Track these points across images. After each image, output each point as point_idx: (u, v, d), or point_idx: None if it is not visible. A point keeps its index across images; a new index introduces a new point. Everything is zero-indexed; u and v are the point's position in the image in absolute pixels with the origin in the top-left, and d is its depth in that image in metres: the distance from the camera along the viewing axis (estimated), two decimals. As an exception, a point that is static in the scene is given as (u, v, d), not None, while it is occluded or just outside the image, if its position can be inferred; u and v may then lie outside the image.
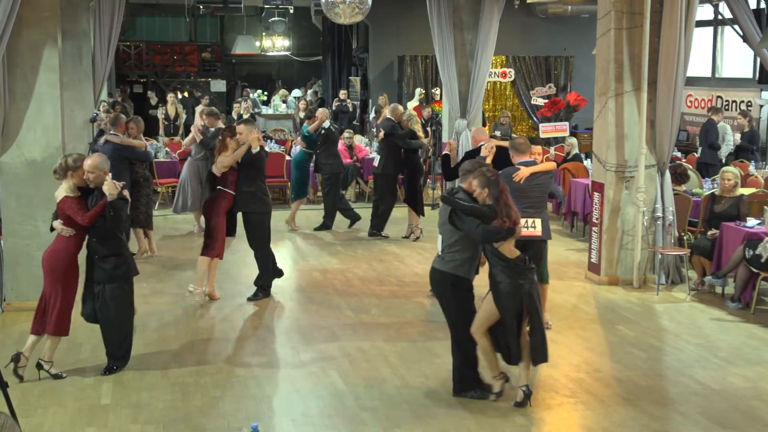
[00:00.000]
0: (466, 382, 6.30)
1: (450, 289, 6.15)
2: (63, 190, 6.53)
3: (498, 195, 5.92)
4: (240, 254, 10.53)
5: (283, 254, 11.12)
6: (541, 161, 7.91)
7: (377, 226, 11.90)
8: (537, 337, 6.04)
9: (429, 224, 12.79)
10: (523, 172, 7.40)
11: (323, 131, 12.22)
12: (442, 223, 6.16)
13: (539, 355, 6.06)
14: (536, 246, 7.45)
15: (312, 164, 12.63)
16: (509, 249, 5.99)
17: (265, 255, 8.93)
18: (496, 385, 6.26)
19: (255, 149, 8.50)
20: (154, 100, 20.56)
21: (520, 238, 7.00)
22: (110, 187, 6.40)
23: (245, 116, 16.59)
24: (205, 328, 8.03)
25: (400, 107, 12.26)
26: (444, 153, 8.85)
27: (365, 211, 13.92)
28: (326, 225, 12.47)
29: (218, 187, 8.61)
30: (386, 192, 11.85)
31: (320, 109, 13.07)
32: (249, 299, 8.81)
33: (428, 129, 14.85)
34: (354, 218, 12.58)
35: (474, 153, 8.56)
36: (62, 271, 6.54)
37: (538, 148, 7.90)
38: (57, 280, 6.54)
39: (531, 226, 7.40)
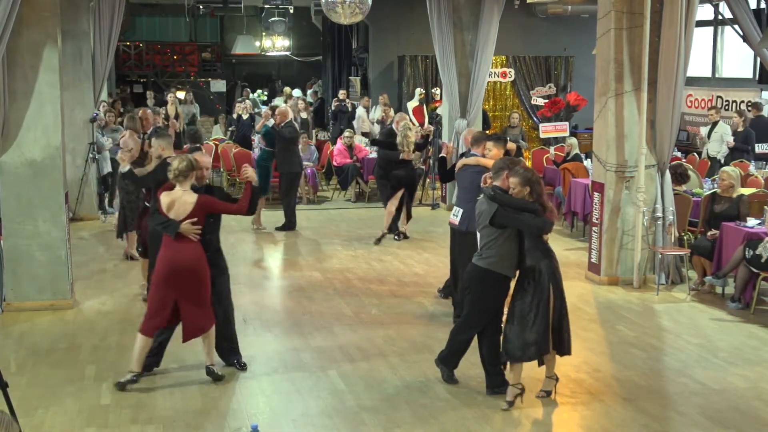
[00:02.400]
0: (493, 379, 6.38)
1: (478, 283, 6.24)
2: (189, 191, 6.28)
3: (540, 192, 6.13)
4: (236, 256, 10.54)
5: (282, 254, 11.12)
6: (491, 157, 7.84)
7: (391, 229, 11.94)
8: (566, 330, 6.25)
9: (429, 224, 12.81)
10: (459, 162, 8.07)
11: (278, 129, 12.08)
12: (486, 224, 6.19)
13: (565, 346, 6.26)
14: (458, 235, 7.97)
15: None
16: (548, 238, 6.32)
17: None
18: (549, 382, 6.38)
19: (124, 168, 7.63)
20: (151, 101, 20.51)
21: (450, 224, 7.94)
22: (253, 173, 6.47)
23: (244, 116, 16.59)
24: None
25: (405, 118, 12.14)
26: (440, 156, 8.87)
27: (366, 212, 13.94)
28: (290, 225, 12.37)
29: None
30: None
31: (282, 105, 12.97)
32: None
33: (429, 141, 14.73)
34: (290, 226, 12.42)
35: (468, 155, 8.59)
36: (207, 271, 6.37)
37: (489, 144, 7.86)
38: (205, 282, 6.35)
39: (455, 214, 7.93)
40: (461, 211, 7.87)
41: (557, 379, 6.40)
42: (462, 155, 8.63)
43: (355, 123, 17.83)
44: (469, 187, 7.76)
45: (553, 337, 6.13)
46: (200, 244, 6.31)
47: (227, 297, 6.78)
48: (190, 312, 6.33)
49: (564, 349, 6.21)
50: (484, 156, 7.89)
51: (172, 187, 6.33)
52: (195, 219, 6.23)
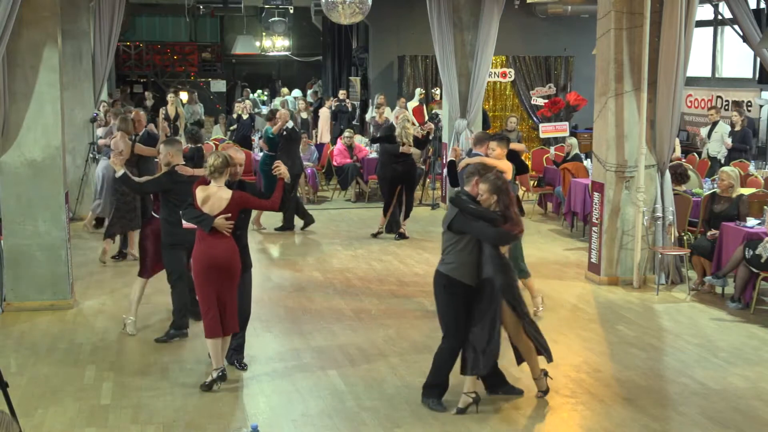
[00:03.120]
0: (431, 388, 6.23)
1: (442, 290, 6.11)
2: (223, 188, 6.38)
3: (508, 203, 5.96)
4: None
5: (282, 254, 11.12)
6: (495, 156, 7.99)
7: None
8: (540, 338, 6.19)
9: (429, 224, 12.80)
10: (461, 162, 8.11)
11: (285, 132, 12.13)
12: (443, 228, 6.15)
13: (546, 352, 6.22)
14: None
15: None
16: (505, 250, 6.15)
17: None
18: (540, 383, 6.34)
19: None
20: (150, 101, 20.50)
21: None
22: (285, 170, 6.49)
23: (244, 117, 16.60)
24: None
25: (405, 111, 12.23)
26: (449, 159, 8.87)
27: (366, 212, 13.94)
28: (288, 226, 12.41)
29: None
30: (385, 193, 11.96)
31: (281, 110, 12.98)
32: (157, 340, 7.63)
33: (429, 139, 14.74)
34: (288, 226, 12.44)
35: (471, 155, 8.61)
36: (239, 268, 6.46)
37: (492, 144, 7.98)
38: (236, 279, 6.44)
39: None
40: None
41: (546, 374, 6.37)
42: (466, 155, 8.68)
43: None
44: None
45: (536, 345, 6.16)
46: (233, 239, 6.42)
47: (248, 294, 6.83)
48: (226, 307, 6.41)
49: (549, 357, 6.22)
50: (487, 155, 7.96)
51: (206, 182, 6.45)
52: (229, 214, 6.35)
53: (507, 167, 7.89)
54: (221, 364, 6.43)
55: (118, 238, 10.44)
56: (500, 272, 5.98)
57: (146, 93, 22.39)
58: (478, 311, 5.96)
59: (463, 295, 6.03)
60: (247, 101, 17.86)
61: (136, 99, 23.70)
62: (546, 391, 6.35)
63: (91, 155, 12.63)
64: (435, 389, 6.19)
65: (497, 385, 6.34)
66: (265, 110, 22.45)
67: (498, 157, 7.94)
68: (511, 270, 6.14)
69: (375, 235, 11.90)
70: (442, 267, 6.10)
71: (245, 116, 16.48)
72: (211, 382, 6.39)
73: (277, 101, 23.19)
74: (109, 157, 9.76)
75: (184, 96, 20.36)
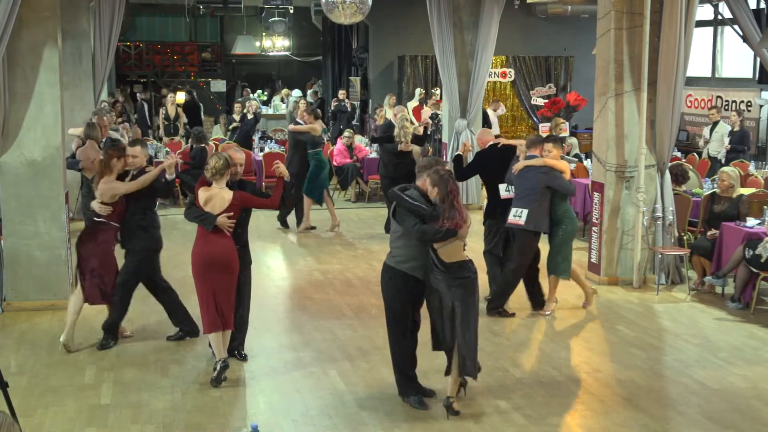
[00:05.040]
0: (402, 386, 6.23)
1: (388, 282, 6.06)
2: (225, 188, 6.54)
3: (445, 194, 5.78)
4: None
5: (282, 254, 11.12)
6: (552, 158, 8.13)
7: None
8: (464, 351, 5.85)
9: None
10: (518, 164, 8.14)
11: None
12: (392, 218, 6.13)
13: (467, 369, 5.90)
14: (520, 235, 8.11)
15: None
16: (450, 252, 5.83)
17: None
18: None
19: (171, 176, 7.24)
20: (137, 93, 20.38)
21: (508, 226, 7.98)
22: (284, 169, 6.68)
23: (249, 116, 16.58)
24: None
25: (403, 110, 12.23)
26: (456, 153, 8.88)
27: (366, 212, 13.94)
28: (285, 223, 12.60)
29: (98, 218, 7.23)
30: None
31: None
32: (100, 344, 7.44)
33: (428, 134, 14.72)
34: (283, 221, 12.57)
35: (483, 154, 8.64)
36: (237, 266, 6.61)
37: (548, 146, 8.13)
38: (234, 276, 6.57)
39: (517, 215, 8.02)
40: (526, 211, 7.99)
41: (464, 384, 6.18)
42: (477, 154, 8.77)
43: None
44: (535, 187, 7.98)
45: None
46: (232, 238, 6.57)
47: (248, 291, 6.96)
48: (221, 304, 6.51)
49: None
50: (542, 157, 8.12)
51: (208, 183, 6.58)
52: (231, 213, 6.51)
53: (566, 167, 8.15)
54: (223, 355, 6.54)
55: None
56: (437, 271, 5.81)
57: (137, 94, 22.17)
58: (463, 319, 5.79)
59: (408, 288, 5.99)
60: (254, 101, 17.83)
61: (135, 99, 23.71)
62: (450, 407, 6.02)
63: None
64: (406, 386, 6.19)
65: (405, 392, 6.21)
66: (265, 110, 22.49)
67: (555, 158, 8.09)
68: (435, 271, 5.86)
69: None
70: (389, 259, 6.07)
71: (250, 115, 16.46)
72: (218, 374, 6.49)
73: (275, 100, 23.20)
74: (81, 169, 9.51)
75: (181, 96, 20.35)
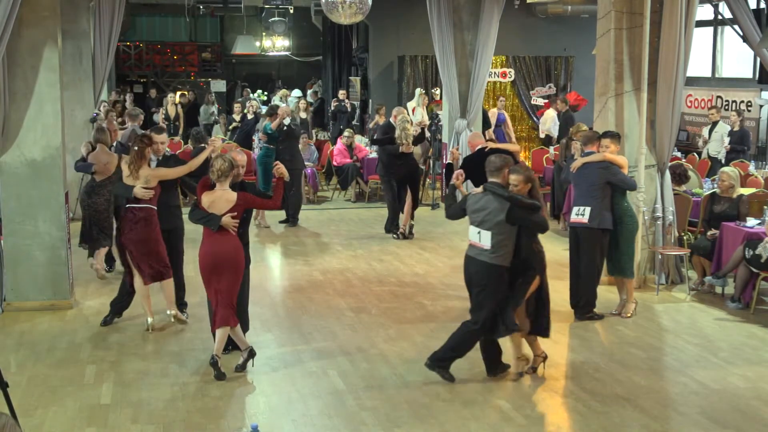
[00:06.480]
0: (496, 364, 6.67)
1: (497, 280, 6.37)
2: (228, 190, 6.63)
3: (538, 189, 6.48)
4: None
5: (282, 254, 11.12)
6: (610, 152, 8.15)
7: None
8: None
9: (429, 224, 12.81)
10: (576, 162, 8.20)
11: (284, 128, 12.35)
12: (497, 222, 6.29)
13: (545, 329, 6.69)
14: (584, 233, 8.08)
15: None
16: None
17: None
18: (519, 365, 6.68)
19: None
20: (130, 93, 20.32)
21: (572, 225, 8.27)
22: (284, 170, 6.82)
23: (249, 116, 16.58)
24: (205, 328, 8.00)
25: (403, 111, 12.19)
26: (447, 162, 8.89)
27: (366, 212, 13.95)
28: (293, 221, 12.69)
29: (144, 204, 7.52)
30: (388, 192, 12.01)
31: (282, 106, 13.10)
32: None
33: (428, 133, 14.73)
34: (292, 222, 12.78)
35: (473, 158, 8.60)
36: (243, 264, 6.74)
37: (606, 141, 8.14)
38: (240, 274, 6.70)
39: (580, 214, 8.03)
40: (589, 209, 7.99)
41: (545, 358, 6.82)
42: (465, 159, 8.67)
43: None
44: (596, 183, 8.00)
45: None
46: (238, 237, 6.69)
47: (246, 288, 7.06)
48: (223, 301, 6.62)
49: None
50: (599, 152, 8.16)
51: (209, 185, 6.69)
52: (235, 213, 6.62)
53: (624, 162, 8.19)
54: (247, 345, 6.84)
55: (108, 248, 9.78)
56: (534, 257, 6.48)
57: (128, 99, 21.92)
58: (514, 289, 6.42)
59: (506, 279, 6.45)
60: (254, 101, 17.84)
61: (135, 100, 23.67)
62: (521, 375, 6.69)
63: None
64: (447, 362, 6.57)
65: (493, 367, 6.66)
66: (265, 110, 22.45)
67: (612, 153, 8.11)
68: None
69: (400, 237, 11.85)
70: (495, 259, 6.34)
71: (250, 115, 16.47)
72: (244, 362, 6.78)
73: (274, 99, 23.16)
74: (93, 173, 9.36)
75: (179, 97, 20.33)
